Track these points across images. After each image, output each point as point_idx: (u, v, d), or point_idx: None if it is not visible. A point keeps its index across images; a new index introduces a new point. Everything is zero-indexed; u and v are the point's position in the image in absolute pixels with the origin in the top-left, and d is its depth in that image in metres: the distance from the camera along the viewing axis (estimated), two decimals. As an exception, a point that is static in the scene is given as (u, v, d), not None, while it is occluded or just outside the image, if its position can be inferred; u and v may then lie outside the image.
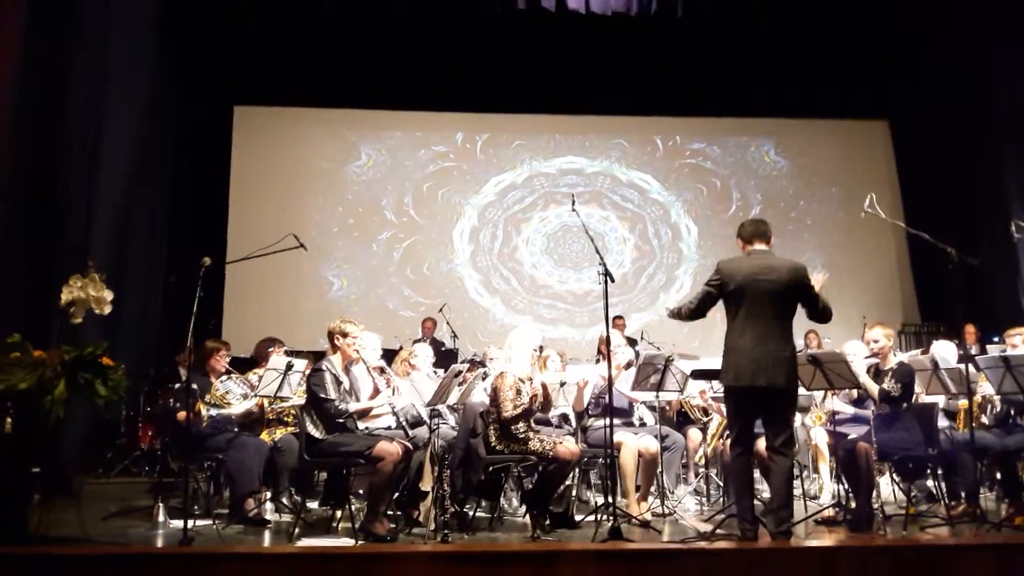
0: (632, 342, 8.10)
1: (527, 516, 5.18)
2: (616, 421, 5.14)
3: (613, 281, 4.68)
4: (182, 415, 5.29)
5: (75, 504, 4.77)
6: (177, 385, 5.83)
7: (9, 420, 4.28)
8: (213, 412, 5.34)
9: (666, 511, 5.36)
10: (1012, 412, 5.52)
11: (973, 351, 6.96)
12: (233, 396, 5.51)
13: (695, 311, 4.42)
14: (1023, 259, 8.79)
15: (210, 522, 5.06)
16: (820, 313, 4.42)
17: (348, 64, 10.16)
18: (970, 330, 7.65)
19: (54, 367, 4.24)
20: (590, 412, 5.76)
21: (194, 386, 5.11)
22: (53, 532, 4.30)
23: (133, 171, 7.82)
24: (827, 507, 5.30)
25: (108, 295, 4.57)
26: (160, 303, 9.00)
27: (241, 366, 6.06)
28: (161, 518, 5.07)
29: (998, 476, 5.76)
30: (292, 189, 10.65)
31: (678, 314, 4.49)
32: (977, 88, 9.45)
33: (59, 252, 6.40)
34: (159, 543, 4.62)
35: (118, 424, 7.54)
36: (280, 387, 5.22)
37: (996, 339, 7.49)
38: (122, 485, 6.85)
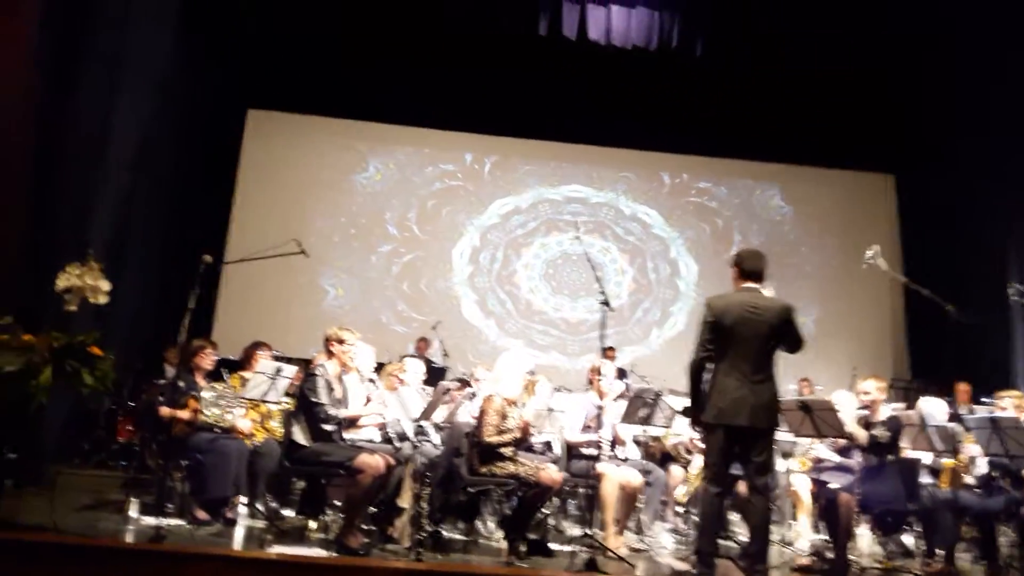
0: (622, 374, 8.09)
1: (503, 540, 5.14)
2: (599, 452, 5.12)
3: (612, 310, 4.67)
4: (166, 411, 5.27)
5: (48, 493, 4.73)
6: (162, 380, 5.81)
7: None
8: (212, 420, 5.30)
9: (642, 547, 5.31)
10: (996, 474, 5.50)
11: (963, 411, 6.94)
12: (223, 409, 5.43)
13: (703, 352, 4.33)
14: (1018, 322, 8.79)
15: (183, 521, 5.01)
16: (795, 344, 4.38)
17: (364, 76, 10.21)
18: (963, 388, 7.63)
19: (42, 352, 4.23)
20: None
21: (180, 383, 5.09)
22: (22, 519, 4.27)
23: (139, 165, 7.81)
24: (804, 555, 5.26)
25: (105, 285, 4.57)
26: (155, 298, 8.96)
27: (229, 368, 6.03)
28: (133, 513, 5.02)
29: (976, 537, 5.73)
30: (297, 195, 10.68)
31: (695, 369, 4.38)
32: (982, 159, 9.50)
33: (58, 240, 6.39)
34: (130, 538, 4.56)
35: (98, 416, 7.49)
36: (267, 392, 5.21)
37: (985, 400, 7.48)
38: (97, 477, 6.78)
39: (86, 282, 4.52)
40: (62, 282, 4.51)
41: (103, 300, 4.62)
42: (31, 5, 5.48)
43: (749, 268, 4.45)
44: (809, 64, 9.85)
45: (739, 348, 4.24)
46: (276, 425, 5.69)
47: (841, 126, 10.63)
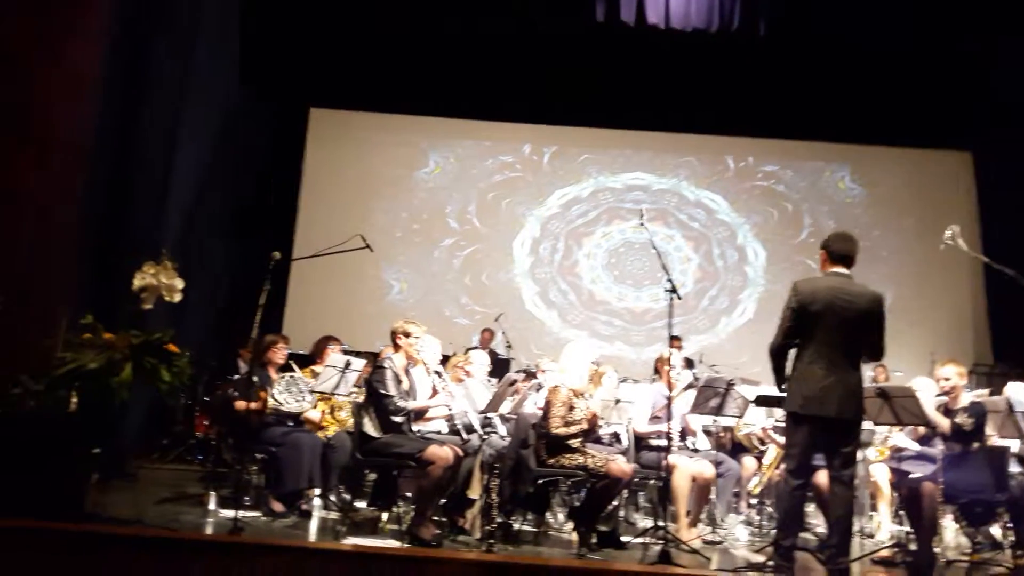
0: (689, 364, 7.96)
1: (573, 532, 5.11)
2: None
3: (680, 298, 4.58)
4: (241, 405, 5.38)
5: (131, 486, 4.89)
6: (236, 376, 5.93)
7: (74, 399, 4.41)
8: (283, 406, 5.39)
9: (716, 539, 5.22)
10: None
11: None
12: (289, 406, 5.53)
13: (784, 340, 4.20)
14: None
15: (259, 514, 5.12)
16: (878, 350, 4.23)
17: (422, 72, 10.25)
18: (1051, 372, 7.28)
19: (122, 350, 4.35)
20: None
21: (254, 378, 5.19)
22: (108, 512, 4.42)
23: (208, 166, 8.02)
24: (886, 546, 5.09)
25: (179, 283, 4.68)
26: (226, 295, 9.20)
27: (299, 362, 6.14)
28: (212, 506, 5.16)
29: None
30: (360, 192, 10.80)
31: (775, 354, 4.26)
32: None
33: (132, 241, 6.59)
34: (209, 530, 4.68)
35: (175, 412, 7.71)
36: (338, 385, 5.28)
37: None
38: (175, 471, 6.99)
39: (161, 281, 4.64)
40: (138, 281, 4.63)
41: (177, 298, 4.73)
42: (101, 19, 5.63)
43: (838, 251, 4.28)
44: (876, 40, 9.50)
45: (826, 335, 4.08)
46: (345, 415, 5.77)
47: (912, 103, 10.21)
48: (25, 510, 3.90)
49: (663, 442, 5.13)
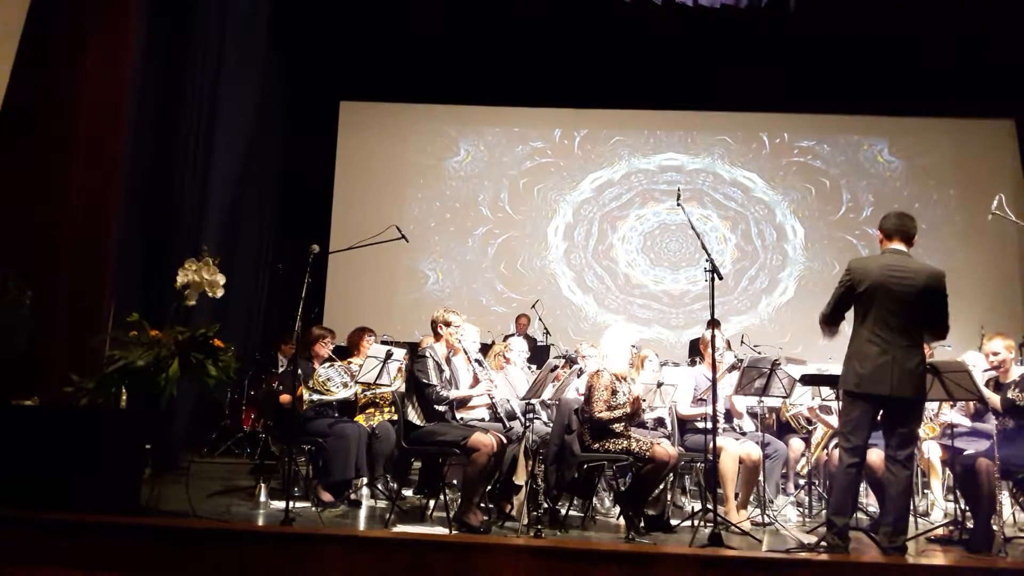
0: (727, 345, 7.86)
1: (620, 517, 5.09)
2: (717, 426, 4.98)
3: (721, 278, 4.52)
4: (286, 398, 5.44)
5: (183, 480, 4.96)
6: (281, 369, 5.99)
7: (124, 396, 4.49)
8: (315, 397, 5.45)
9: (766, 520, 5.16)
10: None
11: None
12: (334, 384, 5.61)
13: (831, 315, 4.22)
14: None
15: (309, 504, 5.18)
16: (941, 328, 4.17)
17: (450, 60, 10.24)
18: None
19: (169, 346, 4.41)
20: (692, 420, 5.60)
21: (299, 371, 5.24)
22: (163, 505, 4.49)
23: (243, 163, 8.11)
24: (942, 524, 4.99)
25: (221, 279, 4.73)
26: (267, 290, 9.31)
27: (337, 353, 6.19)
28: (263, 498, 5.22)
29: None
30: (393, 183, 10.84)
31: (823, 321, 4.28)
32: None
33: (174, 239, 6.70)
34: (261, 522, 4.74)
35: (223, 406, 7.83)
36: (379, 375, 5.31)
37: None
38: (225, 465, 7.11)
39: (203, 277, 4.69)
40: (181, 278, 4.68)
41: (220, 293, 4.79)
42: (135, 19, 5.70)
43: (892, 227, 4.24)
44: (910, 9, 9.25)
45: (881, 312, 4.04)
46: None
47: (949, 72, 9.95)
48: (81, 505, 3.99)
49: (708, 425, 5.08)
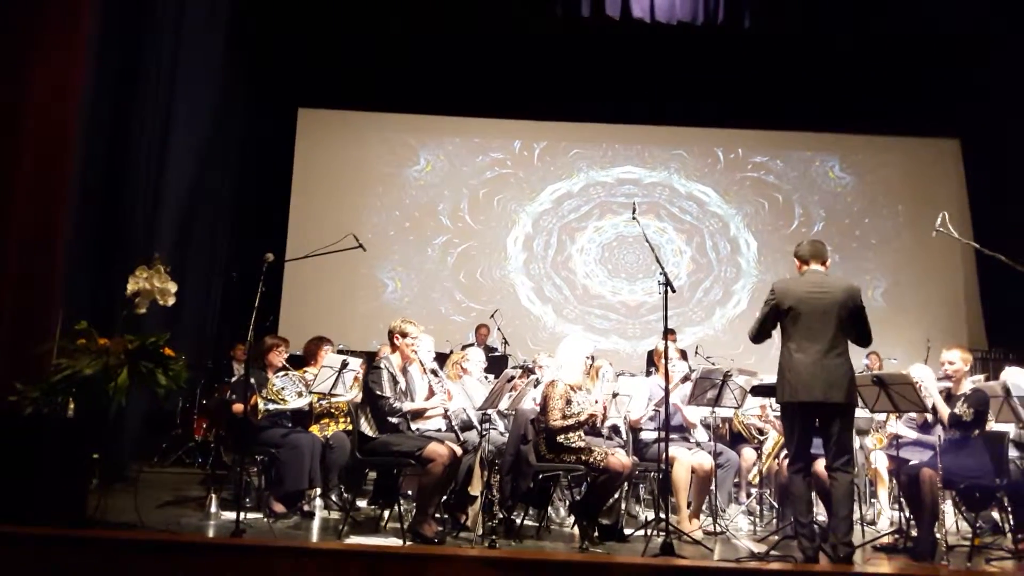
0: (683, 355, 7.97)
1: (575, 527, 5.11)
2: (670, 436, 5.04)
3: (674, 291, 4.60)
4: (239, 407, 5.36)
5: (131, 490, 4.86)
6: (234, 378, 5.90)
7: (71, 405, 4.39)
8: (270, 407, 5.39)
9: (718, 529, 5.23)
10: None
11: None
12: (288, 393, 5.55)
13: (759, 330, 4.48)
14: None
15: (261, 515, 5.11)
16: (864, 336, 4.41)
17: (410, 70, 10.25)
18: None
19: (118, 355, 4.32)
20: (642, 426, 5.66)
21: (252, 380, 5.17)
22: (110, 517, 4.39)
23: (199, 169, 7.99)
24: (887, 533, 5.11)
25: (172, 287, 4.65)
26: (220, 298, 9.17)
27: (292, 363, 6.13)
28: (213, 509, 5.14)
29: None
30: (352, 191, 10.79)
31: (751, 338, 4.54)
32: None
33: (125, 246, 6.56)
34: (211, 533, 4.66)
35: (173, 415, 7.69)
36: (334, 385, 5.27)
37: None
38: (175, 475, 6.97)
39: (154, 285, 4.60)
40: (132, 286, 4.59)
41: (171, 302, 4.70)
42: (89, 20, 5.59)
43: (807, 253, 4.55)
44: (860, 28, 9.52)
45: (805, 327, 4.29)
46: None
47: (899, 91, 10.29)
48: (26, 516, 3.88)
49: (662, 435, 5.13)
